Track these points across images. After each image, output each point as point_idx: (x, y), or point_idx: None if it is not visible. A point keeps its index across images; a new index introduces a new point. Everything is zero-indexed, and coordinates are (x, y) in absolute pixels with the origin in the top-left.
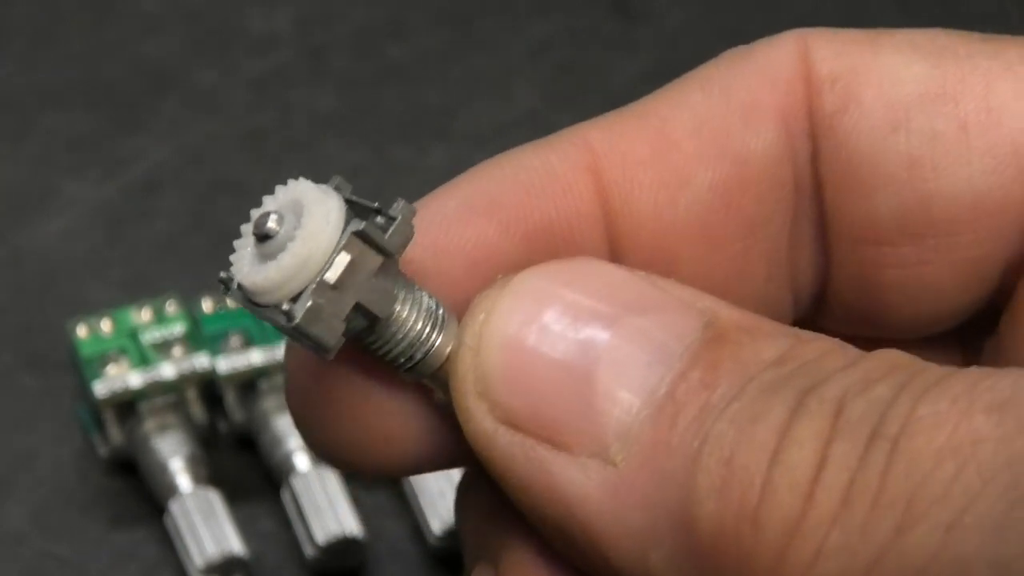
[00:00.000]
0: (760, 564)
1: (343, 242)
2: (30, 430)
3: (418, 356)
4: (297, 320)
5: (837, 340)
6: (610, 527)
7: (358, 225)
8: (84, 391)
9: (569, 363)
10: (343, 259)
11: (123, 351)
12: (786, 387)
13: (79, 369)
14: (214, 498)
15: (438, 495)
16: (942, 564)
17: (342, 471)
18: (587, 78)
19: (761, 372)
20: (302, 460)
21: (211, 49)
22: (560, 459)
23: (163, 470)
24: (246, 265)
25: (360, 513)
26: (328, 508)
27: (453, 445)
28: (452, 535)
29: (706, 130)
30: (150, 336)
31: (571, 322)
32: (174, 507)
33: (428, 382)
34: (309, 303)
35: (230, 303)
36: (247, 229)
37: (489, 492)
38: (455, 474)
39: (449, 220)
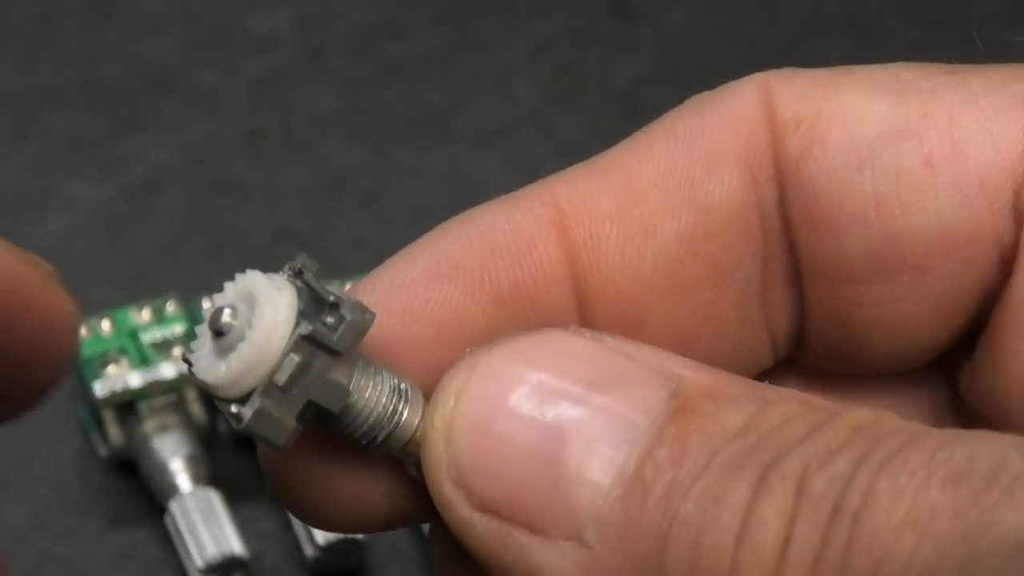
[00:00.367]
0: None
1: (292, 344)
2: (30, 430)
3: (381, 437)
4: (244, 423)
5: (803, 399)
6: None
7: (307, 328)
8: (84, 391)
9: (538, 448)
10: (292, 361)
11: (123, 351)
12: (749, 462)
13: (79, 369)
14: (214, 498)
15: None
16: None
17: (315, 527)
18: (587, 78)
19: (726, 444)
20: None
21: (211, 49)
22: (537, 543)
23: (163, 470)
24: (204, 358)
25: None
26: None
27: (423, 504)
28: None
29: (670, 180)
30: (150, 336)
31: (537, 404)
32: (174, 507)
33: (398, 455)
34: (257, 405)
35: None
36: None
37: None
38: None
39: (415, 284)
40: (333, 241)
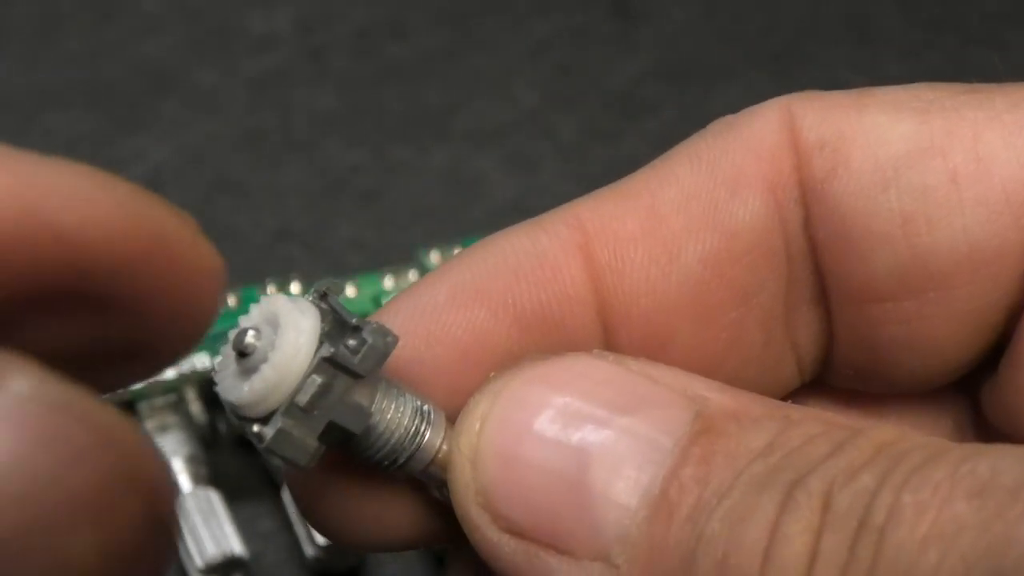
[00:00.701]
0: None
1: (314, 366)
2: None
3: (403, 459)
4: (266, 442)
5: (826, 418)
6: None
7: (329, 350)
8: None
9: (564, 471)
10: (313, 382)
11: None
12: (774, 480)
13: None
14: (214, 498)
15: None
16: None
17: (342, 547)
18: (587, 78)
19: (750, 464)
20: None
21: (211, 49)
22: (564, 564)
23: None
24: (228, 378)
25: None
26: None
27: (446, 526)
28: None
29: (694, 203)
30: None
31: (562, 428)
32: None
33: (419, 476)
34: (279, 426)
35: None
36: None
37: None
38: None
39: (439, 308)
40: (333, 241)
